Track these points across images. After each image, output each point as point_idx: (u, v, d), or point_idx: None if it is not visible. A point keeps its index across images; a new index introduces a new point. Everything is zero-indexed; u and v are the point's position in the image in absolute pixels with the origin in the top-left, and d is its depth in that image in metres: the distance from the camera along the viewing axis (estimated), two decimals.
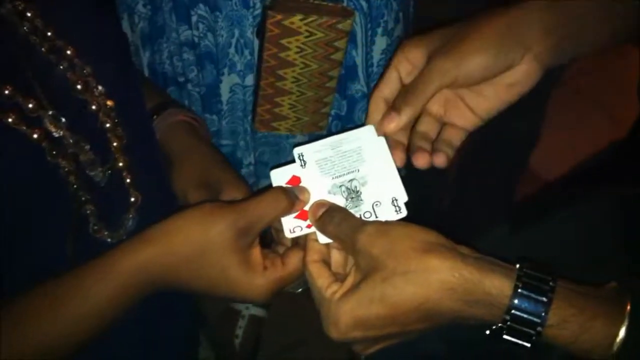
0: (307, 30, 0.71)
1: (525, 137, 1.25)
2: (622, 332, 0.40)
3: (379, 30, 0.81)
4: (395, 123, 0.50)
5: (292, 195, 0.50)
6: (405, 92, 0.51)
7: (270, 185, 0.52)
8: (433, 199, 1.37)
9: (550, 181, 1.38)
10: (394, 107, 0.51)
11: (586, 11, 0.50)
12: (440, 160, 0.51)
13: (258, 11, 0.75)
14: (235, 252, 0.48)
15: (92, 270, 0.47)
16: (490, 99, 0.52)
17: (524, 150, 1.28)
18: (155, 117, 0.67)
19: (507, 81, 0.50)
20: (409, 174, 0.60)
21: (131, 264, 0.47)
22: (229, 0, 0.74)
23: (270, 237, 0.57)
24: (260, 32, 0.74)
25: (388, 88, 0.53)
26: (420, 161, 0.51)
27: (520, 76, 0.50)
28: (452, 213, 1.40)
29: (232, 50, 0.78)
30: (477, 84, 0.51)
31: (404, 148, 0.53)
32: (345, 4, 0.75)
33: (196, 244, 0.47)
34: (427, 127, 0.54)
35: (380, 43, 0.82)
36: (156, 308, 0.52)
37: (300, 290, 1.27)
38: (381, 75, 0.54)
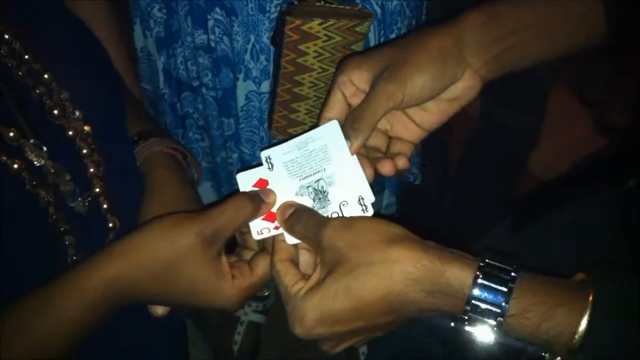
0: (325, 35, 0.71)
1: (525, 137, 1.27)
2: (584, 322, 0.40)
3: (392, 36, 0.81)
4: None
5: (257, 200, 0.50)
6: (353, 119, 0.52)
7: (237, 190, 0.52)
8: (434, 198, 1.38)
9: (548, 181, 1.40)
10: (344, 134, 0.52)
11: (527, 25, 0.52)
12: (401, 163, 0.53)
13: (274, 15, 0.74)
14: (204, 263, 0.47)
15: (58, 289, 0.46)
16: (433, 113, 0.54)
17: (523, 149, 1.30)
18: (137, 144, 0.64)
19: (449, 96, 0.52)
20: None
21: (98, 280, 0.46)
22: (245, 5, 0.74)
23: (235, 241, 0.56)
24: (276, 38, 0.73)
25: (335, 109, 0.54)
26: (386, 168, 0.52)
27: (461, 91, 0.52)
28: (452, 213, 1.41)
29: (247, 56, 0.77)
30: (423, 103, 0.52)
31: (368, 161, 0.54)
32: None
33: (164, 258, 0.47)
34: (376, 141, 0.55)
35: None
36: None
37: (267, 293, 1.27)
38: (326, 96, 0.55)
